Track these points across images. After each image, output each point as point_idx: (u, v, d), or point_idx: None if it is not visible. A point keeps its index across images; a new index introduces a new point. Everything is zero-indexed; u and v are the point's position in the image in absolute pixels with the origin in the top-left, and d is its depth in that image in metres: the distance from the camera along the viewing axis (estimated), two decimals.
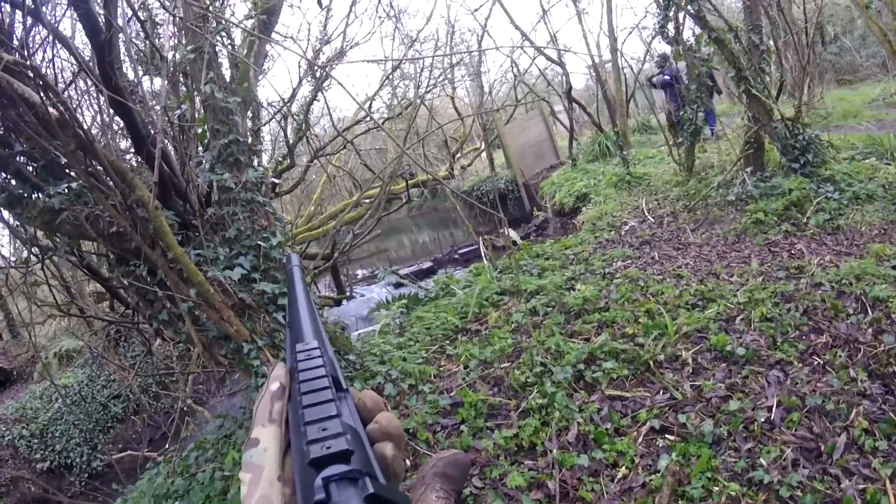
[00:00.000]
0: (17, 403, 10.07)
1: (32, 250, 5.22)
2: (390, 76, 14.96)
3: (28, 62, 3.28)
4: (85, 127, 3.60)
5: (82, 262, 4.99)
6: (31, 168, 3.79)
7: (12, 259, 7.88)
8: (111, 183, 3.73)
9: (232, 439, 4.56)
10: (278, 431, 0.56)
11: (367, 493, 0.43)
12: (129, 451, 8.50)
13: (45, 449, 9.20)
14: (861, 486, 2.81)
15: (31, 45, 4.01)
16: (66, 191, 3.74)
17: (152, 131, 4.19)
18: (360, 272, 16.09)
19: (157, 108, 4.21)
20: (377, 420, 0.57)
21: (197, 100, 4.73)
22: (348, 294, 10.58)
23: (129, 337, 9.73)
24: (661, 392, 3.80)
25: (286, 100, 10.97)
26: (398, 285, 10.67)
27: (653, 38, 12.94)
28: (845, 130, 9.82)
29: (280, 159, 11.86)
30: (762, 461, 3.05)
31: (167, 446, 6.65)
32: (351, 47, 12.39)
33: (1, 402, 10.70)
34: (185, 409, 7.32)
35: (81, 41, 4.65)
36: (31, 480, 8.62)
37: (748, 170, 7.38)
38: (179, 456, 4.82)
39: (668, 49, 10.95)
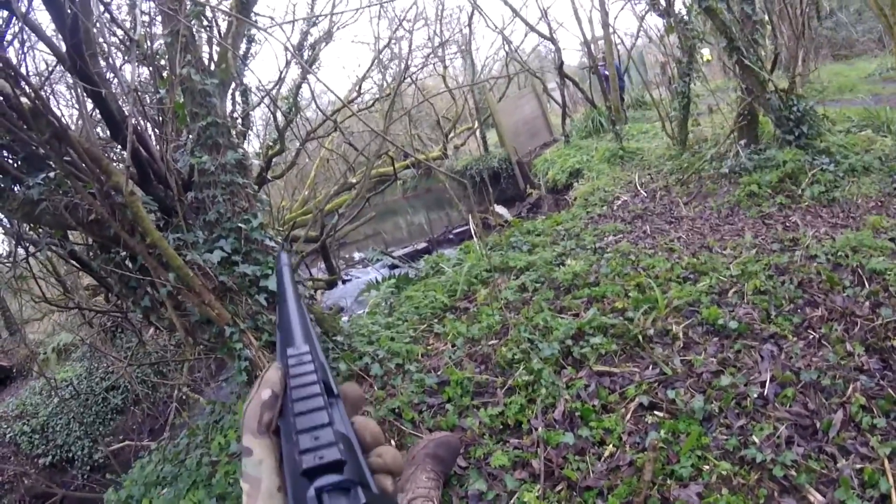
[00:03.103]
0: (17, 400, 10.09)
1: (19, 244, 5.15)
2: (380, 56, 14.79)
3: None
4: (58, 115, 3.52)
5: (69, 253, 4.93)
6: (10, 161, 3.71)
7: (2, 254, 7.81)
8: (88, 170, 3.62)
9: (220, 424, 4.48)
10: (271, 442, 0.55)
11: (360, 502, 0.43)
12: (128, 442, 8.46)
13: (47, 444, 9.25)
14: (858, 466, 2.69)
15: (3, 37, 3.93)
16: (45, 181, 3.66)
17: (127, 116, 4.08)
18: (356, 255, 16.03)
19: (133, 93, 4.08)
20: (380, 454, 0.56)
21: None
22: (340, 276, 10.51)
23: (125, 328, 9.69)
24: (651, 367, 3.68)
25: (274, 83, 10.83)
26: (393, 266, 10.61)
27: (646, 12, 12.88)
28: (841, 104, 9.70)
29: (271, 144, 11.74)
30: (755, 439, 2.93)
31: (164, 435, 6.60)
32: (338, 28, 12.21)
33: (2, 400, 10.78)
34: (182, 397, 7.25)
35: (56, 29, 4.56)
36: (34, 476, 8.60)
37: (742, 142, 7.25)
38: (171, 443, 4.76)
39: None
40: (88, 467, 9.02)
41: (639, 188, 8.05)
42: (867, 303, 3.86)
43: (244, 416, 0.57)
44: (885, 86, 11.76)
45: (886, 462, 2.66)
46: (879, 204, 5.53)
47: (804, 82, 8.54)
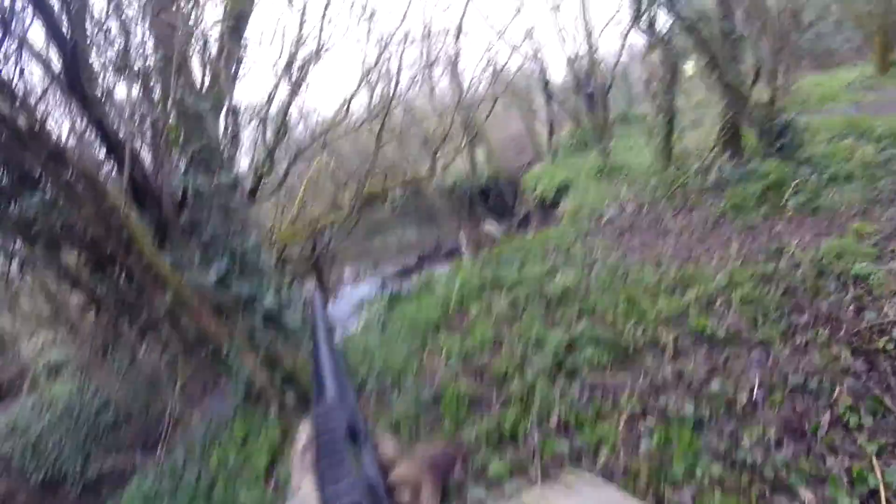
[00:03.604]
0: (8, 417, 9.94)
1: (11, 262, 5.15)
2: (368, 76, 14.87)
3: None
4: (55, 137, 3.55)
5: (62, 272, 4.93)
6: (6, 180, 3.73)
7: None
8: (84, 190, 3.66)
9: (217, 440, 4.50)
10: (312, 477, 0.61)
11: None
12: (122, 458, 8.39)
13: (39, 461, 9.09)
14: (847, 464, 2.76)
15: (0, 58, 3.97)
16: (41, 200, 3.68)
17: (122, 137, 4.13)
18: (347, 272, 16.02)
19: (128, 115, 4.14)
20: (398, 472, 0.63)
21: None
22: (333, 293, 10.53)
23: (116, 345, 9.63)
24: (642, 376, 3.74)
25: (263, 104, 10.87)
26: (384, 283, 10.62)
27: (628, 30, 13.04)
28: (823, 114, 9.86)
29: (260, 163, 11.74)
30: (745, 441, 2.99)
31: (158, 451, 6.58)
32: (326, 50, 12.26)
33: None
34: (174, 414, 7.23)
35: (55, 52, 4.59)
36: (26, 493, 8.51)
37: (725, 155, 7.37)
38: (167, 459, 4.77)
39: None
40: (81, 484, 8.93)
41: (626, 203, 8.13)
42: (851, 307, 3.93)
43: (292, 463, 0.68)
44: (865, 94, 11.93)
45: (874, 459, 2.72)
46: (862, 210, 5.60)
47: (786, 94, 8.66)
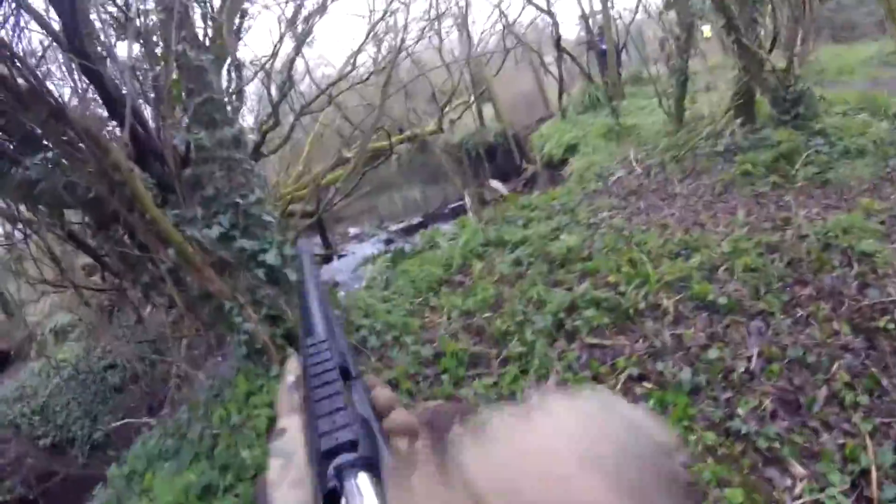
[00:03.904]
0: (16, 382, 10.06)
1: (17, 226, 5.15)
2: (375, 29, 14.63)
3: None
4: (56, 95, 3.52)
5: (66, 233, 4.94)
6: (7, 142, 3.71)
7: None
8: (86, 149, 3.64)
9: (220, 398, 4.54)
10: (301, 420, 0.58)
11: (376, 476, 0.46)
12: (128, 420, 8.49)
13: (47, 425, 9.19)
14: (840, 441, 2.78)
15: None
16: (43, 161, 3.69)
17: (124, 94, 4.09)
18: (351, 230, 16.01)
19: (129, 71, 4.09)
20: (392, 417, 0.58)
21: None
22: (336, 251, 10.53)
23: (122, 307, 9.67)
24: (641, 340, 3.76)
25: (268, 58, 10.72)
26: (388, 241, 10.63)
27: None
28: (839, 87, 9.71)
29: (265, 119, 11.63)
30: (740, 411, 3.01)
31: (164, 411, 6.65)
32: (332, 1, 12.04)
33: (1, 383, 10.70)
34: (181, 374, 7.28)
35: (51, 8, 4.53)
36: (35, 457, 8.63)
37: (738, 121, 7.27)
38: (172, 418, 4.83)
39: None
40: (89, 446, 8.98)
41: (634, 164, 8.08)
42: (855, 283, 3.92)
43: (278, 402, 0.63)
44: (884, 70, 11.72)
45: (868, 438, 2.74)
46: (872, 187, 5.56)
47: (802, 63, 8.52)
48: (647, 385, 3.34)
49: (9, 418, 9.28)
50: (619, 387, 3.39)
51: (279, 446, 0.56)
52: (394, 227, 11.81)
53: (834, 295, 3.86)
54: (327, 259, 9.62)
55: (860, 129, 6.74)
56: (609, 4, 13.36)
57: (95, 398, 9.62)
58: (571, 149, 10.69)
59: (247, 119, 13.21)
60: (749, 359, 3.39)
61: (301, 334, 0.71)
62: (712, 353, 3.42)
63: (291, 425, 0.58)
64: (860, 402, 2.97)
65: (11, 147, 3.72)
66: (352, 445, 0.48)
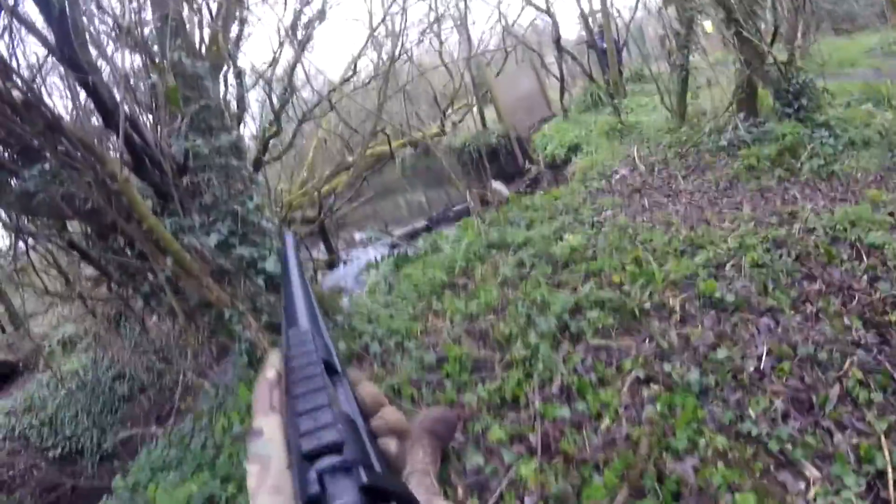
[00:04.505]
0: (24, 394, 10.09)
1: (19, 238, 5.15)
2: (374, 33, 14.62)
3: None
4: (50, 107, 3.51)
5: (68, 243, 4.93)
6: (6, 154, 3.69)
7: (2, 248, 7.82)
8: (82, 159, 3.61)
9: (223, 407, 4.50)
10: (280, 420, 0.55)
11: (362, 483, 0.42)
12: (136, 430, 8.50)
13: (56, 436, 9.25)
14: (854, 441, 2.69)
15: None
16: (41, 173, 3.66)
17: (119, 102, 4.06)
18: (355, 235, 16.00)
19: (123, 79, 4.05)
20: (381, 415, 0.56)
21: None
22: (339, 257, 10.50)
23: (128, 316, 9.69)
24: (647, 341, 3.68)
25: (268, 64, 10.72)
26: (392, 246, 10.58)
27: None
28: (841, 78, 9.64)
29: (267, 126, 11.63)
30: (751, 412, 2.93)
31: (170, 421, 6.64)
32: (331, 7, 12.05)
33: (9, 394, 10.74)
34: (187, 382, 7.28)
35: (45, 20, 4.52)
36: (44, 468, 8.65)
37: (741, 115, 7.20)
38: (177, 429, 4.81)
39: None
40: (98, 457, 9.05)
41: (637, 162, 8.01)
42: (865, 277, 3.84)
43: (255, 400, 0.58)
44: (886, 60, 11.65)
45: (883, 437, 2.66)
46: (878, 178, 5.50)
47: (804, 55, 8.45)
48: (655, 387, 3.26)
49: (18, 430, 9.31)
50: (624, 389, 3.31)
51: (256, 449, 0.52)
52: (398, 232, 11.76)
53: (844, 289, 3.79)
54: (331, 265, 9.58)
55: (864, 120, 6.67)
56: (608, 3, 13.27)
57: (104, 409, 9.66)
58: (574, 148, 10.63)
59: (249, 126, 13.24)
60: (759, 358, 3.31)
61: (283, 325, 0.66)
62: (721, 353, 3.34)
63: (269, 425, 0.54)
64: (874, 399, 2.88)
65: (10, 159, 3.70)
66: (336, 447, 0.44)
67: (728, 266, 4.34)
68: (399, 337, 4.46)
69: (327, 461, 0.43)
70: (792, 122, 6.69)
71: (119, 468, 5.73)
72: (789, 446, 2.69)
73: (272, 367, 0.60)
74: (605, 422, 3.11)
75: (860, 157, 5.93)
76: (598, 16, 14.43)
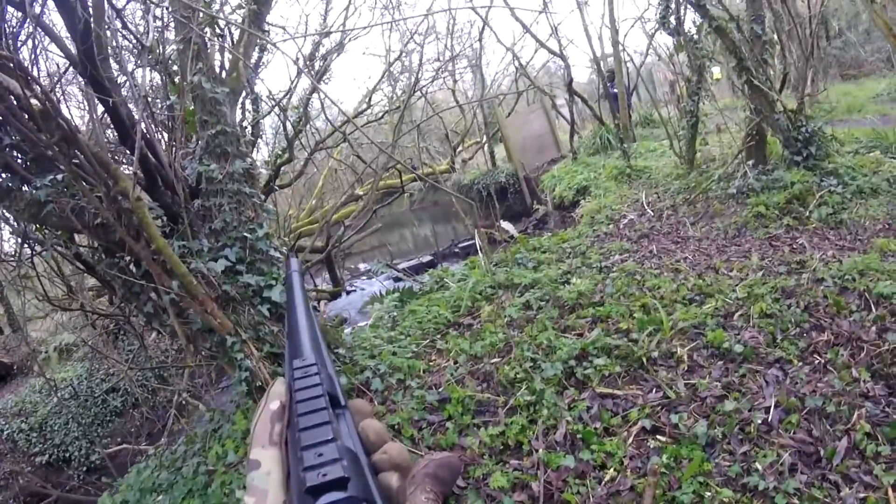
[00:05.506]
0: (16, 398, 10.08)
1: (25, 243, 5.17)
2: (391, 68, 14.81)
3: (11, 55, 3.19)
4: (68, 118, 3.53)
5: (74, 255, 4.94)
6: (20, 160, 3.72)
7: (8, 253, 7.84)
8: (95, 174, 3.63)
9: (218, 433, 4.46)
10: (280, 454, 0.54)
11: None
12: (126, 445, 8.45)
13: (44, 443, 9.27)
14: (862, 495, 2.66)
15: (17, 38, 3.98)
16: (52, 183, 3.68)
17: (137, 121, 4.10)
18: (361, 266, 16.01)
19: (142, 98, 4.10)
20: (385, 450, 0.56)
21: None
22: (344, 287, 10.49)
23: (127, 331, 9.71)
24: (654, 390, 3.64)
25: (285, 93, 10.85)
26: (397, 279, 10.57)
27: (655, 30, 12.91)
28: (849, 124, 9.68)
29: (280, 153, 11.73)
30: (758, 465, 2.89)
31: (162, 440, 6.59)
32: (350, 41, 12.22)
33: (1, 397, 10.74)
34: (182, 403, 7.24)
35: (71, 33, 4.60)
36: (29, 474, 8.60)
37: (750, 162, 7.21)
38: (169, 449, 4.75)
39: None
40: (85, 468, 9.06)
41: (646, 207, 8.02)
42: (874, 328, 3.81)
43: (253, 430, 0.57)
44: (894, 106, 11.73)
45: (890, 491, 2.63)
46: (887, 226, 5.49)
47: (813, 102, 8.51)
48: (661, 438, 3.23)
49: (6, 433, 9.31)
50: (630, 439, 3.27)
51: (254, 481, 0.52)
52: (403, 265, 11.76)
53: (852, 340, 3.76)
54: (335, 296, 9.56)
55: (872, 168, 6.69)
56: (620, 48, 13.40)
57: (95, 420, 9.71)
58: (582, 191, 10.65)
59: (262, 152, 13.36)
60: (767, 409, 3.27)
61: (287, 355, 0.66)
62: (728, 404, 3.31)
63: (268, 458, 0.54)
64: (881, 452, 2.85)
65: (23, 165, 3.72)
66: (341, 483, 0.44)
67: (736, 315, 4.31)
68: (401, 374, 4.43)
69: (331, 497, 0.43)
70: (801, 169, 6.71)
71: (106, 485, 5.68)
72: (796, 500, 2.66)
73: (277, 398, 0.59)
74: (610, 472, 3.07)
75: (868, 206, 5.93)
76: (610, 59, 14.57)
